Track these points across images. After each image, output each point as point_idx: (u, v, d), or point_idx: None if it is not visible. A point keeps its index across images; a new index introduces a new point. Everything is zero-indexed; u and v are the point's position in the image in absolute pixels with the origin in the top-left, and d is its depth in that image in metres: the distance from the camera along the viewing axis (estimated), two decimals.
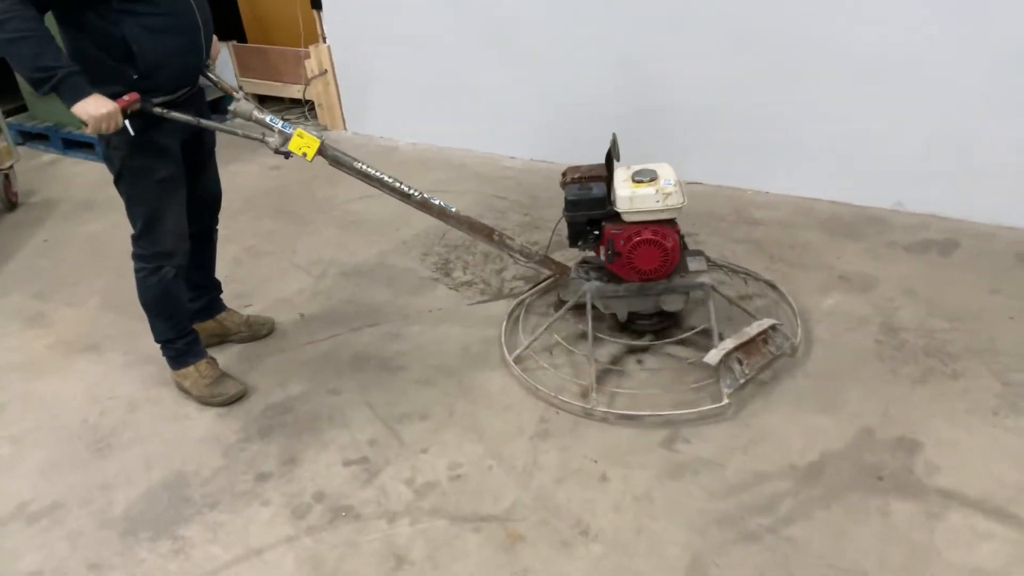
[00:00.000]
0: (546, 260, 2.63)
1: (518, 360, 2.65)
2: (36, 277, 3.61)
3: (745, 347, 2.39)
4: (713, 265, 2.85)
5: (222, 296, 2.99)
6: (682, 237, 2.56)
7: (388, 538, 2.09)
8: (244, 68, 5.34)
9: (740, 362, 2.38)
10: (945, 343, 2.57)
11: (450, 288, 3.19)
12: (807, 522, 2.01)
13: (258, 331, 3.00)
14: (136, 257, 2.51)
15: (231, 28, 5.31)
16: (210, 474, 2.37)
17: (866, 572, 1.86)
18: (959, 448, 2.18)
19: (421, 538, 2.08)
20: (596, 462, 2.25)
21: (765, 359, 2.42)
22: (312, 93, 4.99)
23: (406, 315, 3.05)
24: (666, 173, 2.47)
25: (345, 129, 5.03)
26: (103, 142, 2.34)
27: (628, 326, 2.70)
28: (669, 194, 2.40)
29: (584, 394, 2.46)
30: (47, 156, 5.09)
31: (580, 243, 2.58)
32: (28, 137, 5.19)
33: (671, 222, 2.46)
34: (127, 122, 2.20)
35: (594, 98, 3.94)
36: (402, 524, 2.13)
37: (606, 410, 2.37)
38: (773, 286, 2.91)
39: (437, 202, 2.45)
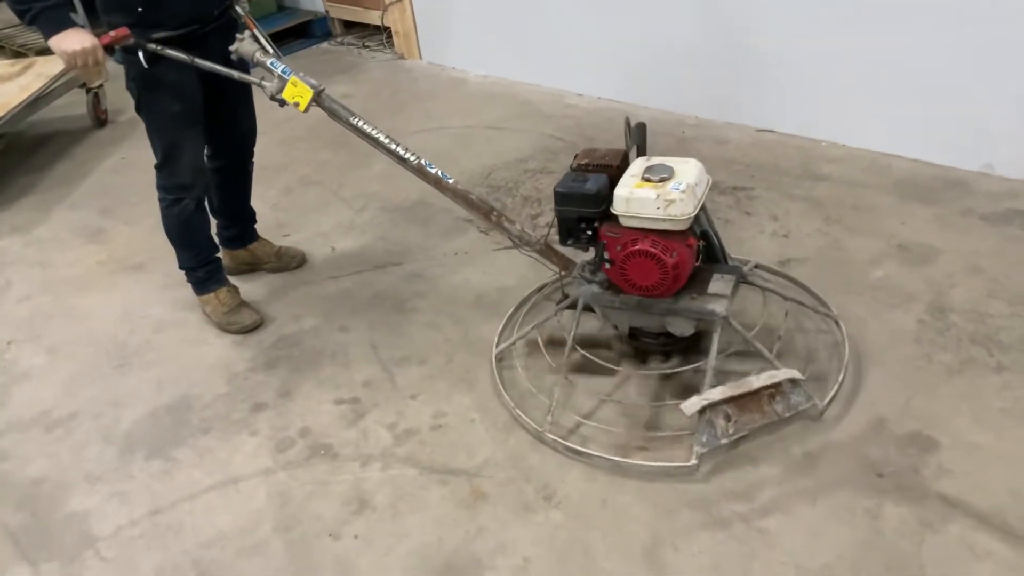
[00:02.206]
0: (549, 251, 2.29)
1: (501, 356, 2.44)
2: (106, 193, 3.80)
3: (740, 401, 1.97)
4: (754, 284, 2.36)
5: (257, 226, 3.04)
6: (714, 247, 2.23)
7: (357, 481, 2.10)
8: None
9: (728, 418, 1.96)
10: (998, 330, 2.29)
11: (480, 231, 3.11)
12: (785, 515, 1.86)
13: (288, 263, 3.04)
14: (159, 187, 2.57)
15: None
16: (212, 400, 2.45)
17: None
18: (980, 453, 1.95)
19: (389, 485, 2.08)
20: (580, 424, 2.17)
21: (766, 420, 1.98)
22: (390, 20, 4.93)
23: (432, 256, 3.01)
24: (684, 174, 2.02)
25: (420, 58, 4.95)
26: (125, 72, 2.38)
27: (635, 341, 2.35)
28: (672, 201, 1.96)
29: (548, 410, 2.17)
30: None
31: (570, 241, 2.19)
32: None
33: (683, 234, 2.04)
34: (140, 54, 2.22)
35: (669, 37, 3.69)
36: (374, 469, 2.14)
37: (555, 439, 2.10)
38: (836, 322, 2.34)
39: (434, 171, 2.32)
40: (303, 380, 2.48)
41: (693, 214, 2.00)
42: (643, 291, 2.11)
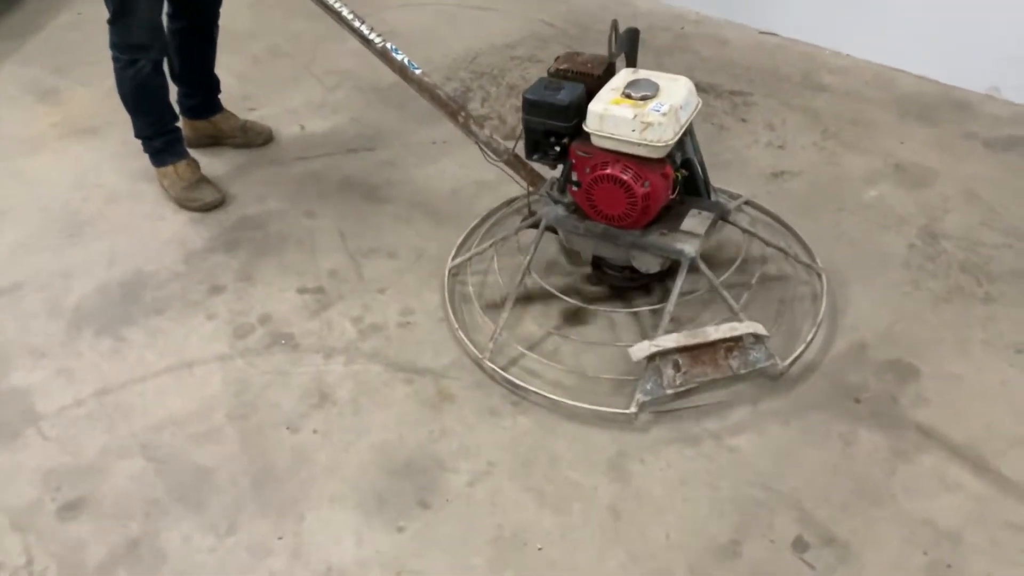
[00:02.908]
0: (517, 163, 2.10)
1: (456, 271, 2.27)
2: (60, 51, 3.52)
3: (693, 352, 1.81)
4: (736, 225, 2.15)
5: (221, 96, 2.83)
6: (696, 178, 2.03)
7: (319, 374, 2.01)
8: None
9: (677, 368, 1.81)
10: (988, 260, 2.22)
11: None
12: (757, 435, 1.82)
13: (253, 139, 2.85)
14: (112, 46, 2.35)
15: None
16: (167, 278, 2.31)
17: (800, 501, 1.68)
18: (961, 384, 1.91)
19: (351, 380, 1.99)
20: (564, 337, 2.08)
21: (719, 375, 1.83)
22: None
23: (406, 143, 2.84)
24: (669, 94, 1.82)
25: None
26: None
27: (597, 271, 2.17)
28: (650, 124, 1.75)
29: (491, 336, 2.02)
30: None
31: (536, 156, 1.99)
32: None
33: (660, 162, 1.83)
34: None
35: None
36: (337, 362, 2.05)
37: (494, 368, 1.95)
38: (819, 275, 2.15)
39: (400, 57, 2.13)
40: (265, 265, 2.35)
41: (672, 141, 1.79)
42: (609, 220, 1.92)
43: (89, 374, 2.04)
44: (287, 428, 1.89)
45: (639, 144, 1.79)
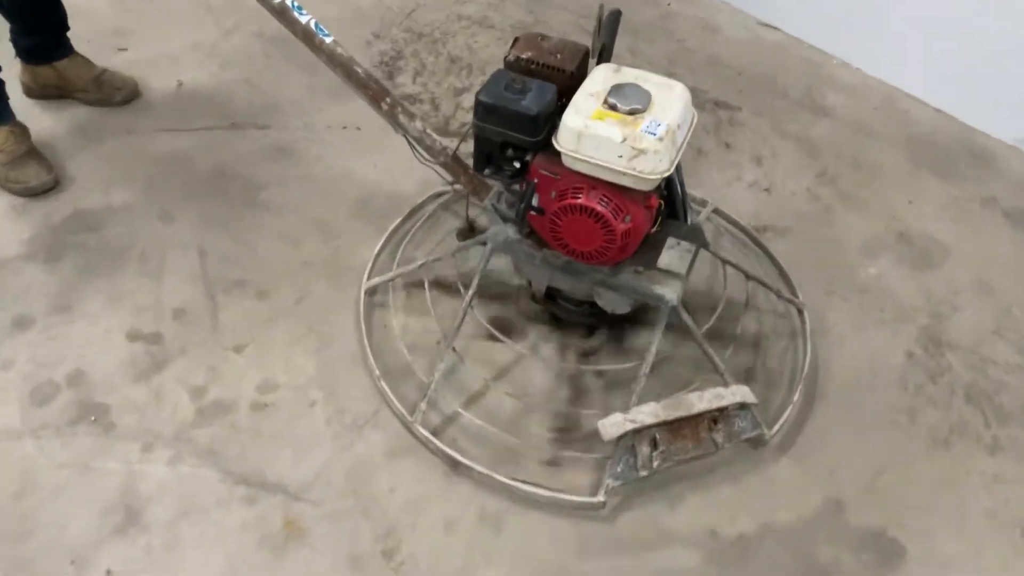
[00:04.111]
0: (456, 165, 1.68)
1: (374, 290, 1.84)
2: None
3: (674, 427, 1.47)
4: (717, 256, 1.85)
5: (75, 34, 2.18)
6: (675, 197, 1.55)
7: (132, 477, 1.51)
8: None
9: (655, 445, 1.47)
10: (1000, 388, 1.80)
11: None
12: None
13: (111, 95, 2.23)
14: None
15: None
16: None
17: None
18: (953, 570, 1.51)
19: (173, 492, 1.49)
20: (514, 398, 1.61)
21: (701, 451, 1.51)
22: None
23: (310, 124, 2.26)
24: (663, 108, 1.38)
25: None
26: None
27: (551, 303, 1.77)
28: (641, 152, 1.33)
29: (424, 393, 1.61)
30: None
31: (488, 170, 1.52)
32: None
33: (645, 192, 1.41)
34: None
35: None
36: (159, 459, 1.54)
37: (427, 435, 1.56)
38: (799, 311, 1.86)
39: (306, 19, 1.56)
40: (92, 291, 1.79)
41: (668, 173, 1.38)
42: (577, 256, 1.52)
43: None
44: (72, 563, 1.39)
45: (627, 174, 1.36)
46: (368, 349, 1.70)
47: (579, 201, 1.41)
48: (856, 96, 2.56)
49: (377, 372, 1.65)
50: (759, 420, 1.56)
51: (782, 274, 1.96)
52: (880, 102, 2.55)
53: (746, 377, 1.73)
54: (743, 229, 2.06)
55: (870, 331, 1.89)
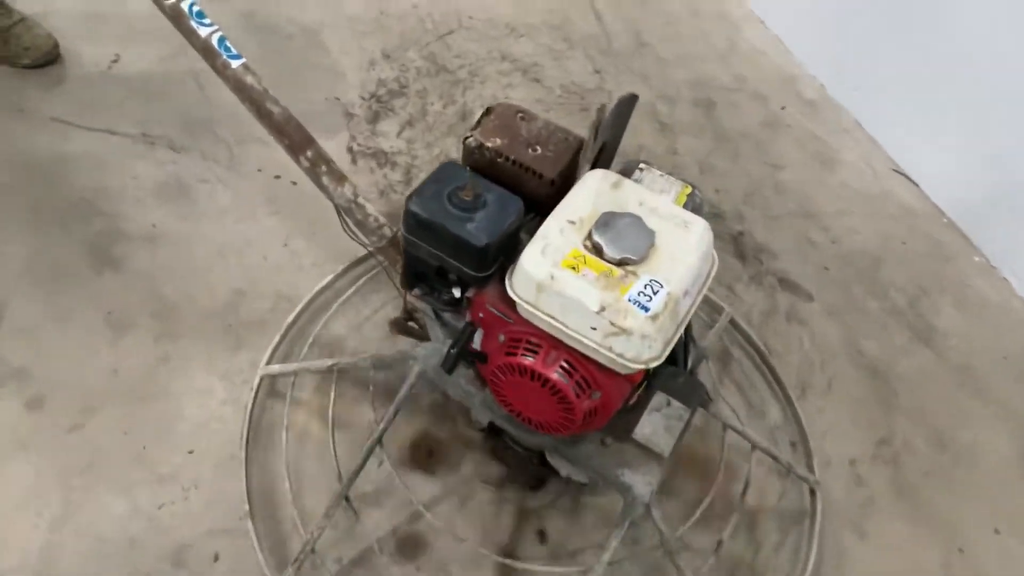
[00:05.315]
0: (394, 251, 1.21)
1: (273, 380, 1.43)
2: None
3: None
4: (718, 418, 1.42)
5: None
6: (686, 354, 1.14)
7: None
8: None
9: None
10: None
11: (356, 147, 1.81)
12: None
13: (16, 55, 1.81)
14: None
15: None
16: None
17: None
18: None
19: None
20: None
21: None
22: None
23: (236, 160, 1.76)
24: (671, 263, 0.94)
25: None
26: None
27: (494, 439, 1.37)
28: (623, 331, 0.90)
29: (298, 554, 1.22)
30: None
31: (417, 291, 1.12)
32: None
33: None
34: None
35: None
36: None
37: None
38: (812, 491, 1.44)
39: (207, 32, 1.09)
40: None
41: (660, 360, 0.94)
42: (528, 423, 1.10)
43: None
44: None
45: (600, 352, 0.94)
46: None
47: (529, 364, 0.98)
48: (986, 324, 1.81)
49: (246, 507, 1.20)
50: None
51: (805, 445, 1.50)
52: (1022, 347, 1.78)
53: None
54: (760, 353, 1.60)
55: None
